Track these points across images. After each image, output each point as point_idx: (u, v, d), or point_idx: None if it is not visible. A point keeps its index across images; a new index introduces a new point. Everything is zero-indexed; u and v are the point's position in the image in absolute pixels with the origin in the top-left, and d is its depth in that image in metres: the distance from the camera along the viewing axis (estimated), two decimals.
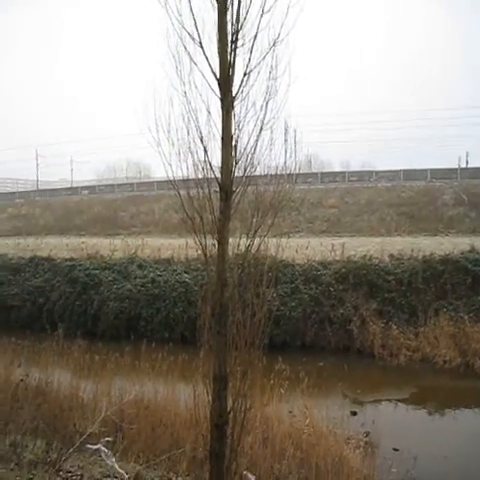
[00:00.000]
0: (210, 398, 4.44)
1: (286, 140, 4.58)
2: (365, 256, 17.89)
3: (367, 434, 8.80)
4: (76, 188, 50.21)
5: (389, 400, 12.40)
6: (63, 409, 7.97)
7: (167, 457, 6.57)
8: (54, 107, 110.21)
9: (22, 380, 8.78)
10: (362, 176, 38.09)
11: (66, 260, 21.82)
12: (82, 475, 5.87)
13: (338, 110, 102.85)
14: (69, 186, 54.20)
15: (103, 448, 5.53)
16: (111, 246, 23.01)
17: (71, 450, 5.67)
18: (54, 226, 34.52)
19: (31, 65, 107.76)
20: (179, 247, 19.78)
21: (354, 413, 10.19)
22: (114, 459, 5.49)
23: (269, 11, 4.12)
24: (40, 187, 56.23)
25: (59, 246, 24.53)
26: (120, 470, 5.68)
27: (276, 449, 7.25)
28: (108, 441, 5.94)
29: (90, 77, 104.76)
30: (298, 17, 4.11)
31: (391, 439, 8.68)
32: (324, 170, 46.74)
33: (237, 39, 4.18)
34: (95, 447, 5.53)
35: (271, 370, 8.42)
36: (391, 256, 17.93)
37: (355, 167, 51.67)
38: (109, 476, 5.78)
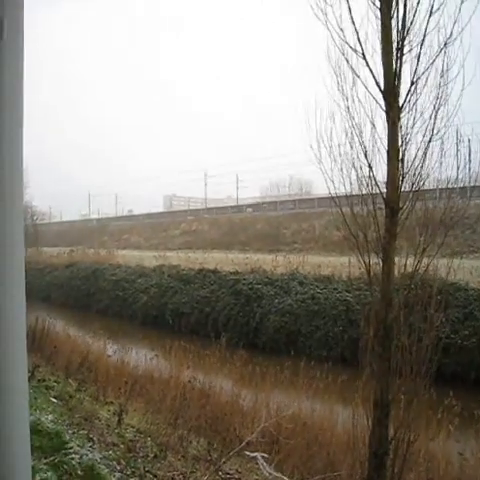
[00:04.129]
0: (370, 424, 4.23)
1: (458, 150, 4.20)
2: None
3: None
4: (241, 206, 53.34)
5: None
6: (224, 413, 8.36)
7: (322, 478, 6.42)
8: (216, 131, 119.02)
9: (190, 381, 9.55)
10: None
11: (231, 273, 23.18)
12: (239, 479, 6.10)
13: None
14: (234, 204, 57.87)
15: (260, 457, 5.64)
16: (273, 262, 23.75)
17: (231, 454, 5.94)
18: (220, 241, 37.17)
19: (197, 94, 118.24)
20: (340, 265, 19.44)
21: None
22: (271, 471, 5.57)
23: (438, 10, 3.86)
24: (208, 204, 61.07)
25: (224, 260, 26.19)
26: None
27: None
28: (264, 454, 6.07)
29: (251, 100, 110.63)
30: (476, 10, 3.76)
31: None
32: None
33: (403, 46, 4.00)
34: (252, 455, 5.68)
35: (439, 403, 7.60)
36: None
37: None
38: None
